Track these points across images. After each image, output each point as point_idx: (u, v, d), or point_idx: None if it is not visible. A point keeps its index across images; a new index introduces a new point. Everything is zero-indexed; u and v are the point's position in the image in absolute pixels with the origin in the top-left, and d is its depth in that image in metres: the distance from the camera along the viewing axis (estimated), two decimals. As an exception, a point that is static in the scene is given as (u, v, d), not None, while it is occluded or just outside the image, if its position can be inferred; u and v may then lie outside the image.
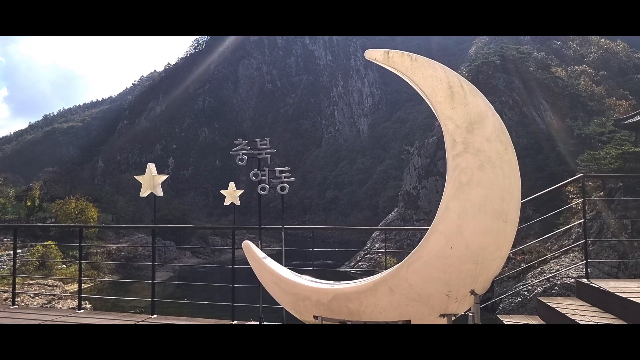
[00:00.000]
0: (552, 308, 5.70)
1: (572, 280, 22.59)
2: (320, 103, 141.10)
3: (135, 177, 7.03)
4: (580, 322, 4.86)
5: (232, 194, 7.51)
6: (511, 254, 27.93)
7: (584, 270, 6.87)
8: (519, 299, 25.58)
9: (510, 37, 70.47)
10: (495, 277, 4.57)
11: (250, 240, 5.30)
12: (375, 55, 4.50)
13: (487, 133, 4.11)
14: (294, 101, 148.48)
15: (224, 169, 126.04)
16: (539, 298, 6.32)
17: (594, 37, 78.12)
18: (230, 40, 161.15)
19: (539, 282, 25.80)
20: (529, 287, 25.86)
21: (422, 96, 4.43)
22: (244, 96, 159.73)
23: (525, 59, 63.89)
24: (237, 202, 7.55)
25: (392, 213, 61.95)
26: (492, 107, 4.27)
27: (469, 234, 4.00)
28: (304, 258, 27.87)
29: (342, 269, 38.21)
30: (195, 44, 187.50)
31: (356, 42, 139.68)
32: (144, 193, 6.92)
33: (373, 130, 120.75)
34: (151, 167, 6.94)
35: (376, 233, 52.07)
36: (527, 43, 78.25)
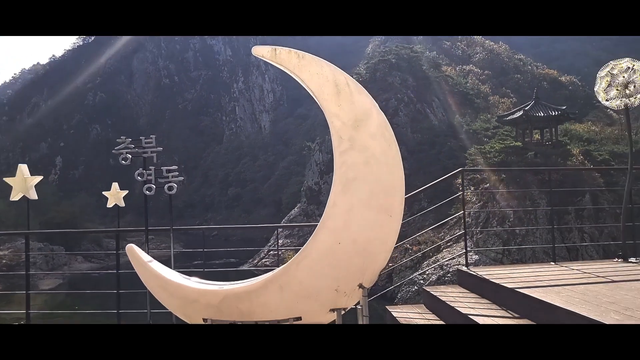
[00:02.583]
0: (435, 296, 6.01)
1: (461, 268, 24.08)
2: (221, 99, 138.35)
3: (4, 179, 6.40)
4: (458, 309, 5.16)
5: (115, 195, 7.11)
6: (408, 244, 29.30)
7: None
8: (415, 287, 26.81)
9: (404, 37, 73.26)
10: (384, 270, 4.70)
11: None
12: (262, 52, 4.43)
13: (372, 130, 4.21)
14: (192, 97, 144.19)
15: (119, 168, 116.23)
16: (424, 287, 6.66)
17: (479, 38, 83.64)
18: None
19: (433, 270, 27.25)
20: (424, 276, 27.23)
21: (310, 93, 4.43)
22: (140, 91, 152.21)
23: (418, 58, 67.05)
24: (122, 204, 7.15)
25: (295, 209, 62.39)
26: (377, 105, 4.36)
27: (356, 229, 4.08)
28: (208, 258, 27.22)
29: (244, 267, 37.84)
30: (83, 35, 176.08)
31: (256, 38, 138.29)
32: (14, 197, 6.32)
33: (275, 126, 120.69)
34: (22, 169, 6.34)
35: (280, 229, 52.17)
36: (420, 42, 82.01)
